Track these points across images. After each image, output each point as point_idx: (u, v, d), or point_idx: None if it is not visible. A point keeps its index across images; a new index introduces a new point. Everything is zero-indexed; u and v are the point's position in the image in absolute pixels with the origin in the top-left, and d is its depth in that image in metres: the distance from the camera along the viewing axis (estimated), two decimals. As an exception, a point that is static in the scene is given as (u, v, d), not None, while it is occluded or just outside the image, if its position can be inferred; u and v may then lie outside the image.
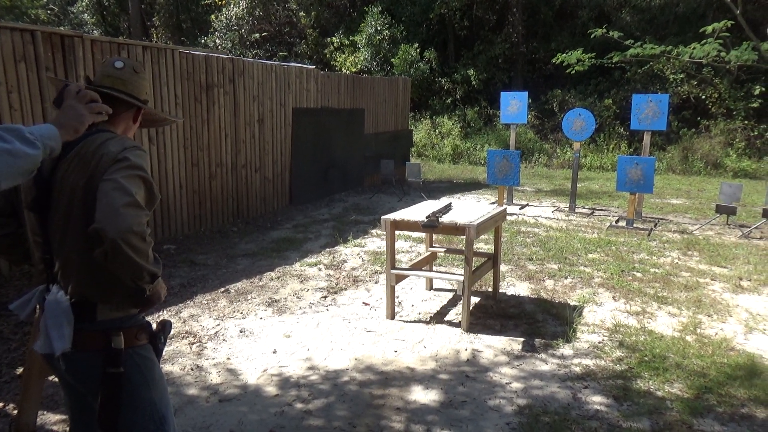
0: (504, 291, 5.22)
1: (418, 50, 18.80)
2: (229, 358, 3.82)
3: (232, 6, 22.05)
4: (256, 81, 8.31)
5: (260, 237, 7.28)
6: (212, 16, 22.70)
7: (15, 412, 2.90)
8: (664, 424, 3.03)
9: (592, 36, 12.61)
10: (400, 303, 4.92)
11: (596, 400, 3.29)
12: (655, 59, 13.93)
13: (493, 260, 4.96)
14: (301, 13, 22.12)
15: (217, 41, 21.99)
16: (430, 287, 5.33)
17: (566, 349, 3.99)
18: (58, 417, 3.07)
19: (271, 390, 3.41)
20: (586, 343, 4.09)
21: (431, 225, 4.24)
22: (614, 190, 10.71)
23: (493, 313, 4.67)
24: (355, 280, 5.55)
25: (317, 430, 2.99)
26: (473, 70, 18.98)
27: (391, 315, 4.56)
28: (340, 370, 3.67)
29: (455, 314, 4.66)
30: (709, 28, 10.79)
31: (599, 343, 4.10)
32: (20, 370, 3.52)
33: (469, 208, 4.85)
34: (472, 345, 4.06)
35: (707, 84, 16.17)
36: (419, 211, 4.66)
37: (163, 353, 2.80)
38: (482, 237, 7.11)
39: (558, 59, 12.99)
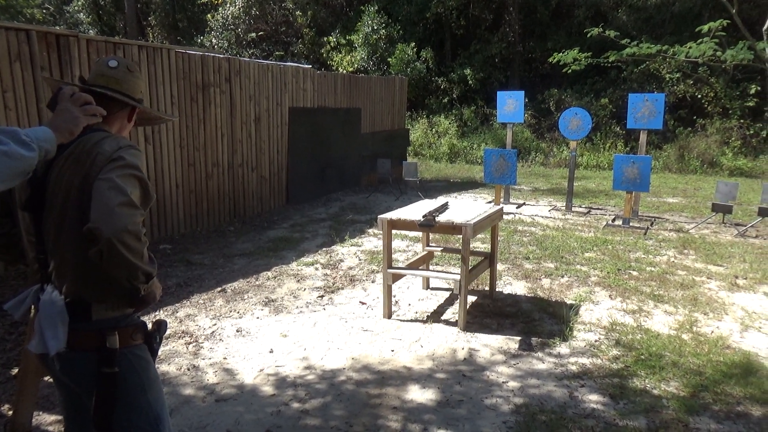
0: (501, 290, 5.23)
1: (415, 49, 18.80)
2: (225, 358, 3.82)
3: (228, 5, 22.01)
4: (252, 80, 8.30)
5: (257, 236, 7.27)
6: (208, 16, 22.67)
7: (10, 412, 2.88)
8: (660, 423, 3.04)
9: (588, 35, 12.63)
10: (396, 302, 4.92)
11: (593, 399, 3.30)
12: (651, 58, 13.97)
13: (489, 259, 4.96)
14: (298, 13, 22.10)
15: (214, 41, 21.96)
16: (427, 286, 5.33)
17: (563, 348, 4.00)
18: (53, 417, 3.06)
19: (268, 390, 3.41)
20: (582, 342, 4.10)
21: (428, 224, 4.24)
22: (611, 189, 10.73)
23: (489, 312, 4.67)
24: (352, 280, 5.55)
25: (314, 429, 2.99)
26: (470, 69, 19.00)
27: (388, 314, 4.56)
28: (337, 370, 3.67)
29: (452, 313, 4.67)
30: (705, 28, 10.82)
31: (596, 341, 4.11)
32: (16, 370, 3.51)
33: (465, 208, 4.85)
34: (468, 344, 4.07)
35: (703, 83, 16.22)
36: (416, 210, 4.66)
37: (159, 353, 2.79)
38: (479, 236, 7.11)
39: (554, 58, 13.02)
